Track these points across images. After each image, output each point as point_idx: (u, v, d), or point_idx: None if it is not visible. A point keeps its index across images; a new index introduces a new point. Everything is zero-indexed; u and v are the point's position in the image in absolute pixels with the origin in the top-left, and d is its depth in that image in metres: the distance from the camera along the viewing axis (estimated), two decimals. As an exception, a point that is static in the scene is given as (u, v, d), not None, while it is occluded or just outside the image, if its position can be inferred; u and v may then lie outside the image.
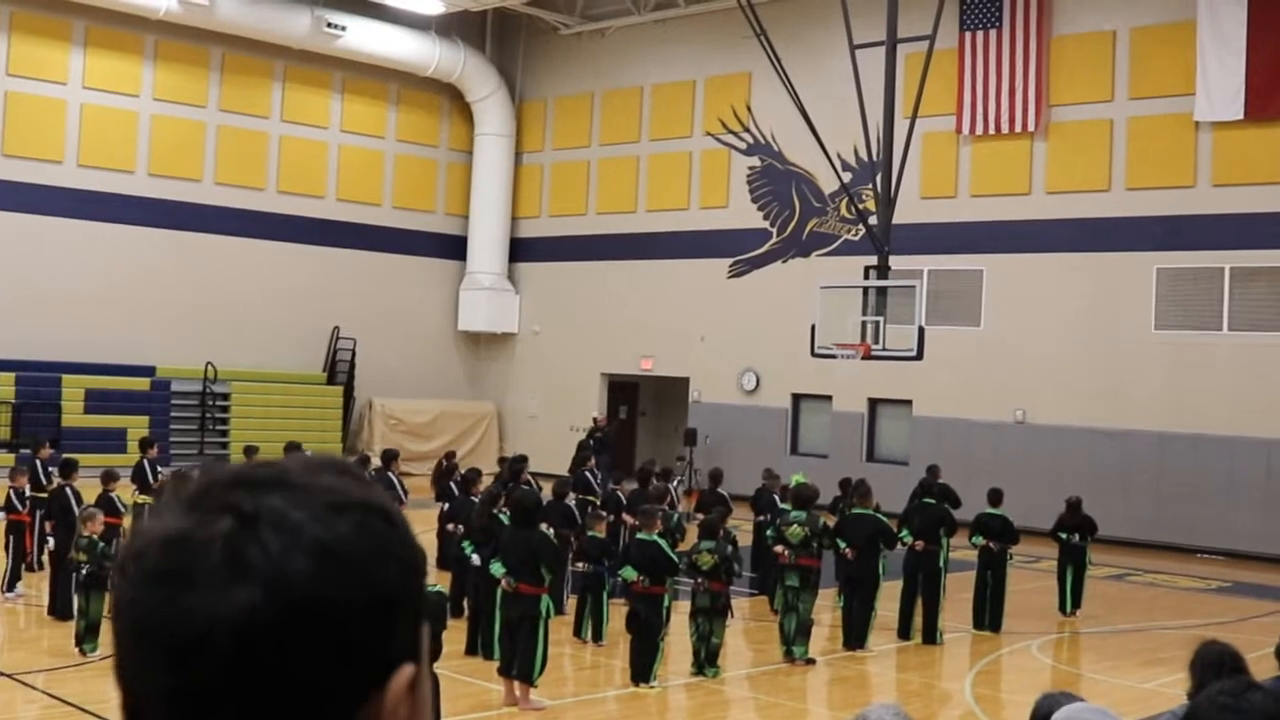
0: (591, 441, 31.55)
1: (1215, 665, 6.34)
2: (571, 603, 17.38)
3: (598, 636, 16.43)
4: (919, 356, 22.13)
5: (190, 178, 35.10)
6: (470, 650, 15.40)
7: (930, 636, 17.63)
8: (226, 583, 1.29)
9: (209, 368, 34.41)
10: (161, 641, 1.30)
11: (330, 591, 1.31)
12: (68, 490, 17.56)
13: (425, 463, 33.80)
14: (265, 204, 36.40)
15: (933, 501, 18.67)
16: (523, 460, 21.48)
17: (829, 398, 33.21)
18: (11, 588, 17.74)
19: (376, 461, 24.65)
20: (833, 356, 23.23)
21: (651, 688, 14.30)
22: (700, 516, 17.42)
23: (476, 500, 17.40)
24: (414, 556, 1.40)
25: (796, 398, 34.21)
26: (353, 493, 1.38)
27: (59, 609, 16.32)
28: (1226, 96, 27.53)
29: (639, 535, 14.98)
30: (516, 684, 13.34)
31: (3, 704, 12.76)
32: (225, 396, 34.98)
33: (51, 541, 17.29)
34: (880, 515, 17.32)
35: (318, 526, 1.33)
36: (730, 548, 15.33)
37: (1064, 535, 20.21)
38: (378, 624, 1.34)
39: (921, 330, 21.95)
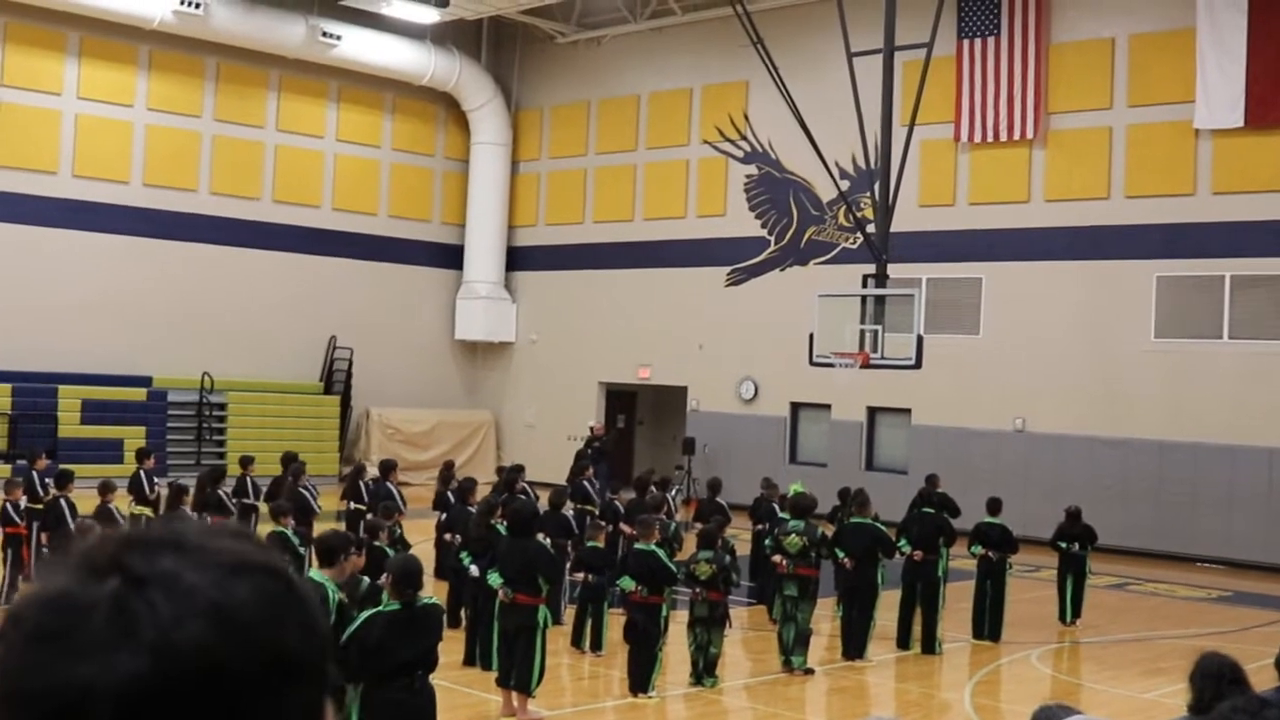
0: (589, 451, 31.52)
1: (1215, 677, 6.35)
2: (570, 612, 17.38)
3: (596, 646, 16.44)
4: (918, 365, 22.14)
5: (185, 188, 35.10)
6: (468, 661, 15.41)
7: (929, 646, 17.63)
8: (109, 648, 1.21)
9: (205, 378, 34.41)
10: (36, 710, 1.22)
11: (223, 657, 1.23)
12: (62, 501, 17.57)
13: (422, 472, 33.81)
14: (261, 214, 36.42)
15: (931, 511, 18.69)
16: (519, 470, 21.48)
17: (828, 406, 33.21)
18: (9, 600, 17.73)
19: (374, 471, 24.66)
20: (831, 365, 23.22)
21: (650, 698, 14.31)
22: (698, 526, 17.43)
23: (474, 510, 17.40)
24: (314, 619, 1.33)
25: (795, 406, 34.20)
26: (251, 556, 1.32)
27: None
28: (1226, 104, 27.56)
29: (637, 545, 14.98)
30: (514, 694, 13.35)
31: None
32: (222, 407, 34.98)
33: (46, 553, 17.28)
34: (879, 524, 17.32)
35: (213, 589, 1.26)
36: (728, 557, 15.36)
37: (1064, 544, 20.22)
38: (274, 691, 1.27)
39: (920, 339, 21.96)
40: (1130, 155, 29.14)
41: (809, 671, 16.01)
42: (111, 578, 1.26)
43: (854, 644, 16.97)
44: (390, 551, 14.31)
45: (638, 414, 40.02)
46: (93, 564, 1.28)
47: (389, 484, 20.87)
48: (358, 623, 9.51)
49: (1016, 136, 30.50)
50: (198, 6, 33.23)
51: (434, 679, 9.93)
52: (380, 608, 9.75)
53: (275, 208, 36.71)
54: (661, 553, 14.68)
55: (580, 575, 16.27)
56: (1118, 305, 28.99)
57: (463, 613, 16.54)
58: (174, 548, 1.29)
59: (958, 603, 19.06)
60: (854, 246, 31.58)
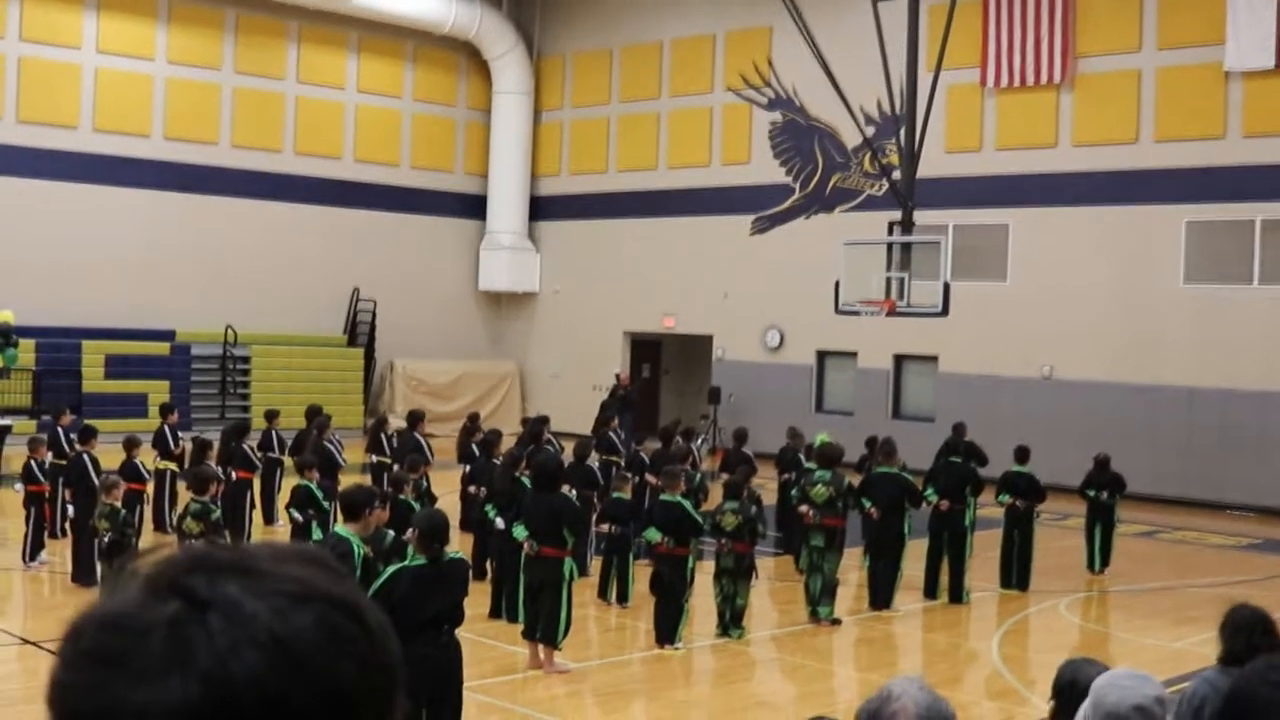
0: (614, 401, 31.55)
1: (1246, 629, 6.32)
2: (595, 565, 17.42)
3: (622, 598, 16.48)
4: (944, 312, 22.09)
5: (206, 141, 35.09)
6: (494, 614, 15.44)
7: (956, 596, 17.64)
8: (163, 673, 1.20)
9: (229, 331, 34.48)
10: None
11: (277, 690, 1.21)
12: (85, 457, 17.64)
13: (448, 424, 33.87)
14: (282, 166, 36.40)
15: (958, 460, 18.67)
16: (544, 421, 21.49)
17: (854, 354, 33.17)
18: (35, 556, 17.85)
19: (398, 423, 24.73)
20: (857, 313, 23.19)
21: (676, 649, 14.34)
22: (724, 476, 17.43)
23: (498, 462, 17.43)
24: (382, 657, 1.31)
25: (821, 355, 34.17)
26: (319, 584, 1.29)
27: (82, 576, 16.42)
28: (1257, 45, 27.27)
29: (662, 496, 14.99)
30: (540, 647, 13.40)
31: (28, 671, 12.85)
32: (246, 360, 35.07)
33: (71, 510, 17.39)
34: (905, 474, 17.30)
35: (274, 618, 1.23)
36: (754, 508, 15.34)
37: (1092, 492, 20.17)
38: None
39: (947, 286, 21.91)
40: (1159, 98, 28.90)
41: (836, 622, 16.03)
42: (173, 600, 1.24)
43: (881, 594, 16.99)
44: (416, 505, 14.37)
45: (663, 364, 40.02)
46: (156, 584, 1.26)
47: (417, 435, 20.93)
48: (383, 578, 9.55)
49: (1044, 80, 30.26)
50: (216, -43, 33.13)
51: (460, 632, 9.96)
52: (406, 563, 9.77)
53: (297, 160, 36.68)
54: (687, 503, 14.70)
55: (606, 527, 16.30)
56: (1147, 250, 28.82)
57: (488, 565, 16.58)
58: (240, 572, 1.27)
59: (985, 552, 19.06)
60: (879, 193, 31.46)
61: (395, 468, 18.87)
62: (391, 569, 9.70)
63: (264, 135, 36.06)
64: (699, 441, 26.01)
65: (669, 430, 21.56)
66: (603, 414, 25.40)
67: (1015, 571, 18.63)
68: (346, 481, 15.66)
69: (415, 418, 21.63)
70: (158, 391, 31.65)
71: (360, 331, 37.53)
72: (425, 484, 16.73)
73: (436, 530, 9.76)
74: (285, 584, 1.27)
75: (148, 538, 18.28)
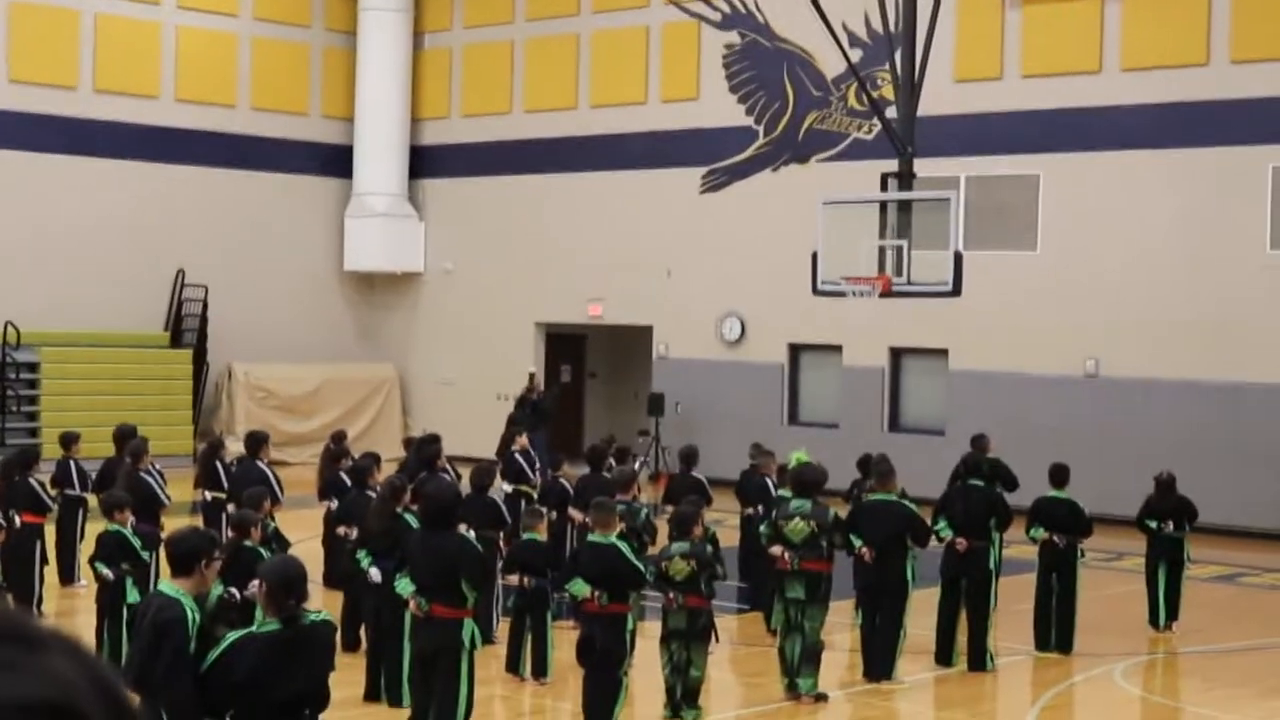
0: (525, 413, 31.53)
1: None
2: (504, 628, 17.39)
3: (540, 672, 16.46)
4: (956, 291, 22.17)
5: (-22, 75, 34.83)
6: (371, 695, 15.40)
7: (978, 661, 17.72)
8: None
9: (8, 329, 34.20)
10: None
11: None
12: None
13: (306, 447, 33.75)
14: (77, 108, 36.14)
15: (980, 483, 18.73)
16: (435, 441, 21.44)
17: (838, 348, 33.28)
18: None
19: (238, 448, 24.60)
20: (842, 294, 23.24)
21: (612, 738, 14.35)
22: (669, 509, 17.45)
23: (374, 495, 17.38)
24: (115, 695, 1.30)
25: (795, 349, 34.26)
26: (17, 690, 1.25)
27: None
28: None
29: (591, 537, 14.98)
30: (433, 739, 13.37)
31: None
32: (33, 367, 34.82)
33: None
34: (907, 502, 17.36)
35: None
36: (710, 549, 15.36)
37: (1154, 524, 20.30)
38: None
39: (959, 256, 21.99)
40: (1235, 6, 29.13)
41: (821, 698, 16.07)
42: None
43: (879, 660, 17.04)
44: (264, 553, 14.29)
45: (588, 364, 40.04)
46: None
47: (260, 463, 20.84)
48: (220, 649, 9.49)
49: (1082, -14, 30.51)
50: None
51: (325, 720, 9.93)
52: (253, 628, 9.73)
53: (97, 100, 36.42)
54: (624, 546, 14.68)
55: (516, 578, 16.28)
56: (1222, 207, 29.06)
57: (363, 632, 16.53)
58: None
59: (1015, 604, 19.15)
60: (869, 137, 31.57)
61: (232, 506, 18.77)
62: (233, 636, 9.65)
63: (52, 68, 35.77)
64: (637, 464, 26.02)
65: (599, 450, 21.54)
66: (510, 430, 25.37)
67: (1055, 628, 18.73)
68: (172, 526, 15.55)
69: (256, 441, 21.52)
70: (-85, 410, 31.40)
71: (187, 327, 37.34)
72: (272, 526, 16.65)
73: (291, 583, 9.70)
74: None
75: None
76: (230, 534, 15.22)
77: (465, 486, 18.16)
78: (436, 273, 39.95)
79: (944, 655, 17.90)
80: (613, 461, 21.19)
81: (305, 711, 9.64)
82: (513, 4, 38.80)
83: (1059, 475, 19.30)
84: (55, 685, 1.27)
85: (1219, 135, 29.05)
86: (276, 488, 19.86)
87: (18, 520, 19.45)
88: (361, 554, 16.25)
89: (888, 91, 26.08)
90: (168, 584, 10.26)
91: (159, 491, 20.39)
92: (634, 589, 14.61)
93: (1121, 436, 29.25)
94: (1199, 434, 28.63)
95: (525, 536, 16.51)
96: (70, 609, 19.76)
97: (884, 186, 23.14)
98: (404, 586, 13.62)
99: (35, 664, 1.27)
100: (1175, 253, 29.50)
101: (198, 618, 9.77)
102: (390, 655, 15.02)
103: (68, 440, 22.77)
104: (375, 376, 39.59)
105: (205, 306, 37.41)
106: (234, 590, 12.65)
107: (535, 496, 20.97)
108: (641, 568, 14.67)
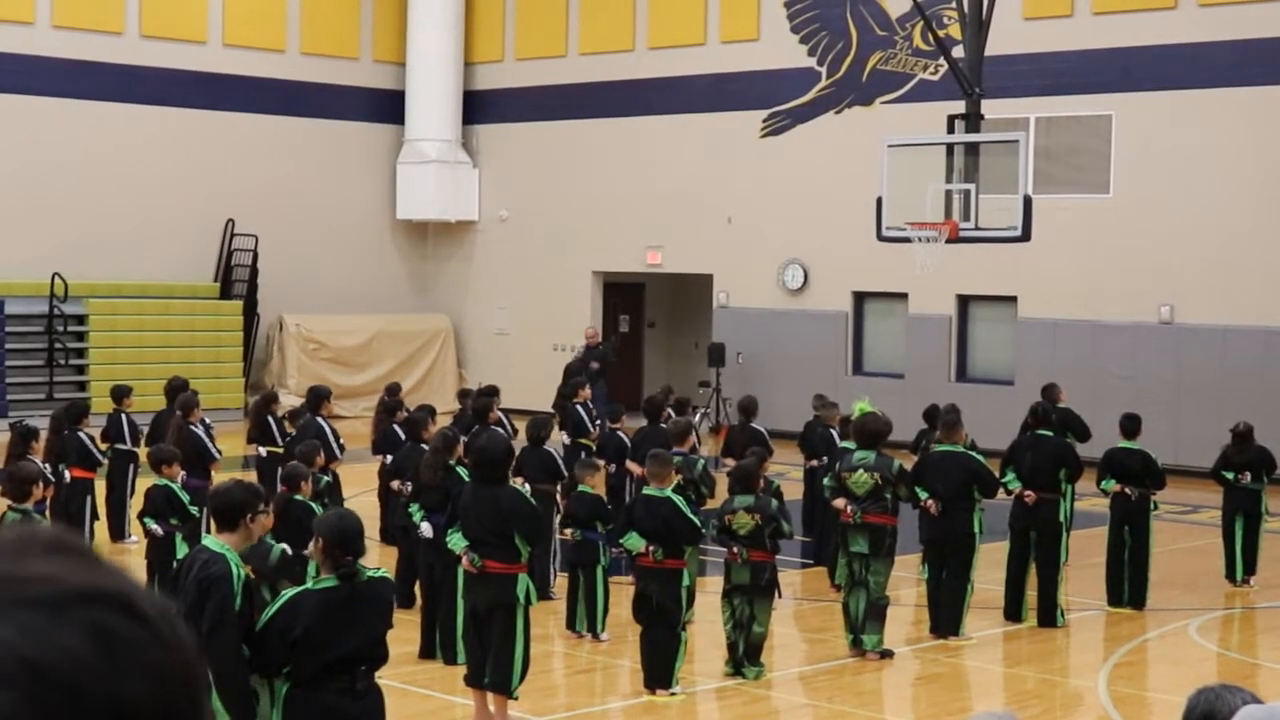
0: (583, 365, 31.57)
1: None
2: (561, 583, 17.44)
3: (593, 628, 16.50)
4: (1025, 236, 22.10)
5: (19, 20, 34.88)
6: (426, 653, 15.44)
7: (1048, 617, 17.70)
8: None
9: (56, 280, 34.36)
10: None
11: None
12: None
13: (359, 400, 33.88)
14: (122, 54, 36.18)
15: (1049, 434, 18.69)
16: (491, 393, 21.49)
17: (903, 296, 33.19)
18: None
19: (290, 401, 24.72)
20: (907, 240, 23.19)
21: (672, 695, 14.37)
22: (729, 462, 17.46)
23: (427, 448, 17.43)
24: (172, 658, 1.31)
25: (859, 297, 34.20)
26: (73, 580, 1.29)
27: None
28: None
29: (646, 490, 15.01)
30: (490, 697, 13.39)
31: None
32: (81, 319, 34.99)
33: None
34: (975, 454, 17.35)
35: (24, 640, 1.21)
36: (775, 503, 15.36)
37: (1230, 475, 20.22)
38: None
39: (1028, 200, 21.91)
40: (1317, -62, 28.92)
41: (886, 654, 16.09)
42: None
43: (946, 616, 17.05)
44: (314, 508, 14.35)
45: (646, 314, 40.04)
46: None
47: (318, 419, 20.90)
48: (276, 606, 9.49)
49: (1156, -82, 30.29)
50: None
51: (382, 677, 9.97)
52: (308, 585, 9.77)
53: (143, 45, 36.47)
54: (680, 500, 14.68)
55: (570, 532, 16.32)
56: (1301, 147, 28.90)
57: (417, 588, 16.61)
58: None
59: (1087, 559, 19.12)
60: (935, 78, 31.44)
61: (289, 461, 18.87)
62: (288, 594, 9.66)
63: (94, 13, 35.82)
64: (696, 417, 26.05)
65: (655, 402, 21.58)
66: (568, 382, 25.43)
67: (1128, 583, 18.70)
68: (221, 480, 15.65)
69: (318, 396, 21.54)
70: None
71: (237, 278, 37.46)
72: (329, 480, 16.73)
73: (347, 538, 9.72)
74: (32, 589, 1.25)
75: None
76: (280, 488, 15.29)
77: (521, 440, 18.19)
78: (491, 221, 39.98)
79: (1013, 610, 17.88)
80: (670, 413, 21.22)
81: (362, 668, 9.67)
82: (568, -56, 38.74)
83: (1131, 425, 19.23)
84: (117, 578, 1.33)
85: (1300, 73, 28.90)
86: (335, 444, 19.97)
87: (67, 475, 19.62)
88: (414, 508, 16.29)
89: (954, 30, 25.98)
90: (212, 539, 10.25)
91: (209, 445, 20.52)
92: (689, 544, 14.61)
93: (1196, 385, 29.12)
94: (1278, 383, 28.48)
95: (581, 489, 16.53)
96: (120, 565, 19.87)
97: (950, 129, 23.07)
98: (456, 542, 13.63)
99: (94, 563, 1.34)
100: (1254, 195, 29.32)
101: (243, 573, 9.80)
102: (444, 612, 15.08)
103: (119, 394, 22.89)
104: (429, 328, 39.67)
105: (255, 257, 37.52)
106: (286, 546, 12.69)
107: (593, 449, 21.03)
108: (697, 522, 14.69)
